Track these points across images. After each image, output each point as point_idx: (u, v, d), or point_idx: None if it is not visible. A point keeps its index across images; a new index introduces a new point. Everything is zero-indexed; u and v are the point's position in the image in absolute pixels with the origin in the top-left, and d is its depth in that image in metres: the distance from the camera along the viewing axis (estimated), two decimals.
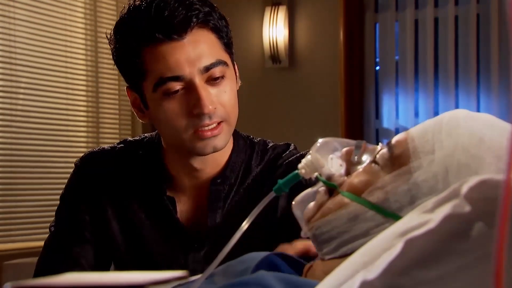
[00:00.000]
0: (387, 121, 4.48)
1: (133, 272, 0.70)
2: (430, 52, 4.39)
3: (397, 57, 4.49)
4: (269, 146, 1.72)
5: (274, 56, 4.46)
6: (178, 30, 1.52)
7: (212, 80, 1.55)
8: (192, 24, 1.53)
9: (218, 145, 1.58)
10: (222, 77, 1.56)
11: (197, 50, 1.53)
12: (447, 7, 4.35)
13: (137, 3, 1.58)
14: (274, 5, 4.48)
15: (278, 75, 4.53)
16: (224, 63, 1.57)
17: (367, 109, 4.51)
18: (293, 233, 1.59)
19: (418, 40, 4.43)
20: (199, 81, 1.53)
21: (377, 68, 4.55)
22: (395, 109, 4.47)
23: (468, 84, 4.32)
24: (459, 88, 4.36)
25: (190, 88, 1.53)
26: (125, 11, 1.60)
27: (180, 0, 1.54)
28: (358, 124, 4.47)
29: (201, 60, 1.53)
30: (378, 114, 4.52)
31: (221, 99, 1.56)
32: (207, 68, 1.54)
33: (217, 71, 1.55)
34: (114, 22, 1.64)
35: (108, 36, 1.63)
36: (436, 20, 4.41)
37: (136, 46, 1.55)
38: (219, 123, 1.56)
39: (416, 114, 4.41)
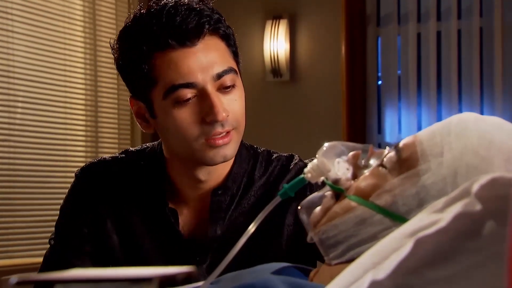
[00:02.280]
0: (390, 136, 4.48)
1: (140, 268, 0.70)
2: (432, 66, 4.39)
3: (399, 71, 4.49)
4: (274, 157, 1.71)
5: (275, 69, 4.47)
6: (191, 37, 1.52)
7: (223, 89, 1.55)
8: (204, 30, 1.54)
9: (228, 154, 1.57)
10: (233, 85, 1.56)
11: (209, 57, 1.53)
12: (450, 21, 4.36)
13: (143, 11, 1.57)
14: (275, 18, 4.49)
15: (279, 89, 4.53)
16: (235, 71, 1.58)
17: (369, 124, 4.52)
18: (303, 255, 1.59)
19: (420, 54, 4.43)
20: (211, 88, 1.53)
21: (379, 82, 4.55)
22: (398, 123, 4.47)
23: (471, 98, 4.33)
24: (462, 103, 4.37)
25: (202, 95, 1.53)
26: (130, 19, 1.59)
27: (190, 7, 1.54)
28: (360, 139, 4.47)
29: (213, 67, 1.53)
30: (380, 129, 4.52)
31: (232, 107, 1.56)
32: (219, 76, 1.54)
33: (228, 79, 1.55)
34: (113, 36, 1.63)
35: (111, 44, 1.63)
36: (438, 34, 4.41)
37: (147, 52, 1.54)
38: (228, 132, 1.56)
39: (419, 129, 4.41)
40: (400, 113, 4.47)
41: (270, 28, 4.47)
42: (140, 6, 1.59)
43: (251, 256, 1.46)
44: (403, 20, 4.46)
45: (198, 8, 1.55)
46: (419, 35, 4.45)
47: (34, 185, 3.86)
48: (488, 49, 4.34)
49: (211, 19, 1.55)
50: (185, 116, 1.53)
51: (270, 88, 4.53)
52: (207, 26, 1.54)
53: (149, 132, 1.65)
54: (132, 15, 1.59)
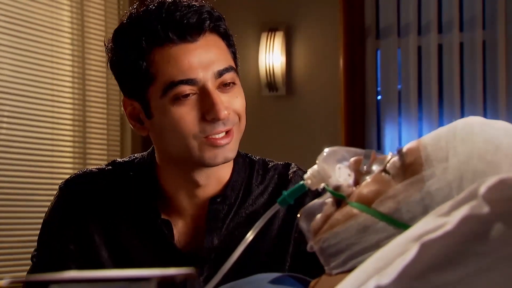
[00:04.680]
0: (390, 152, 4.48)
1: (139, 270, 0.70)
2: (434, 80, 4.39)
3: (399, 86, 4.50)
4: (270, 165, 1.72)
5: (271, 83, 4.47)
6: (192, 32, 1.55)
7: (223, 86, 1.56)
8: (205, 26, 1.56)
9: (229, 155, 1.58)
10: (234, 83, 1.58)
11: (210, 54, 1.55)
12: (451, 33, 4.37)
13: (140, 9, 1.59)
14: (270, 30, 4.49)
15: (275, 103, 4.53)
16: (235, 70, 1.60)
17: (368, 140, 4.52)
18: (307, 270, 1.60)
19: (421, 67, 4.44)
20: (212, 86, 1.54)
21: (379, 97, 4.56)
22: (398, 139, 4.48)
23: (474, 113, 4.31)
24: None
25: (202, 93, 1.54)
26: (126, 17, 1.61)
27: (190, 4, 1.57)
28: None
29: (214, 65, 1.55)
30: (380, 145, 4.53)
31: (234, 104, 1.58)
32: (220, 73, 1.55)
33: (228, 77, 1.56)
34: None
35: (105, 43, 1.63)
36: (440, 47, 4.42)
37: (145, 47, 1.55)
38: (229, 130, 1.57)
39: None
40: (400, 128, 4.48)
41: (265, 41, 4.48)
42: (136, 5, 1.61)
43: (253, 270, 1.47)
44: (403, 32, 4.47)
45: (197, 5, 1.57)
46: (420, 48, 4.46)
47: (19, 203, 3.84)
48: (491, 63, 4.35)
49: (212, 16, 1.58)
50: (184, 113, 1.53)
51: (265, 102, 4.53)
52: (208, 23, 1.56)
53: (143, 134, 1.64)
54: (127, 14, 1.60)
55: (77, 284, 0.62)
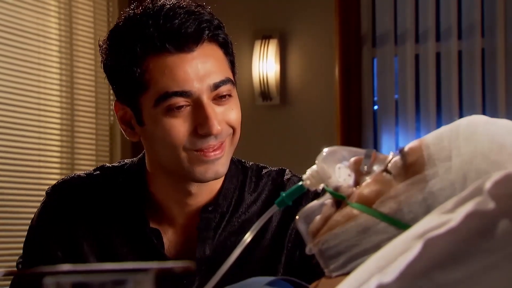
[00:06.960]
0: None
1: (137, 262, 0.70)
2: (432, 89, 4.40)
3: (396, 95, 4.50)
4: (263, 172, 1.72)
5: (265, 92, 4.46)
6: (190, 42, 1.53)
7: (219, 98, 1.55)
8: (204, 36, 1.54)
9: (221, 170, 1.57)
10: (229, 95, 1.57)
11: (207, 65, 1.54)
12: (449, 41, 4.38)
13: (137, 11, 1.57)
14: (264, 38, 4.49)
15: (269, 113, 4.53)
16: (232, 82, 1.59)
17: None
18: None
19: (419, 76, 4.44)
20: (206, 99, 1.53)
21: (376, 107, 4.56)
22: (395, 150, 4.46)
23: None
24: None
25: (196, 106, 1.53)
26: (122, 19, 1.59)
27: (189, 11, 1.55)
28: None
29: (211, 77, 1.54)
30: None
31: (228, 117, 1.56)
32: (216, 86, 1.54)
33: (224, 90, 1.55)
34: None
35: (99, 43, 1.63)
36: (438, 55, 4.43)
37: (140, 54, 1.53)
38: (221, 143, 1.56)
39: None
40: (397, 139, 4.48)
41: (259, 48, 4.47)
42: (134, 5, 1.60)
43: (245, 279, 1.47)
44: (400, 40, 4.48)
45: (197, 12, 1.55)
46: (417, 56, 4.46)
47: (5, 215, 3.84)
48: (490, 71, 4.36)
49: (211, 24, 1.56)
50: (176, 125, 1.53)
51: (259, 112, 4.53)
52: (206, 32, 1.55)
53: (134, 140, 1.64)
54: (125, 14, 1.59)
55: (73, 276, 0.62)
